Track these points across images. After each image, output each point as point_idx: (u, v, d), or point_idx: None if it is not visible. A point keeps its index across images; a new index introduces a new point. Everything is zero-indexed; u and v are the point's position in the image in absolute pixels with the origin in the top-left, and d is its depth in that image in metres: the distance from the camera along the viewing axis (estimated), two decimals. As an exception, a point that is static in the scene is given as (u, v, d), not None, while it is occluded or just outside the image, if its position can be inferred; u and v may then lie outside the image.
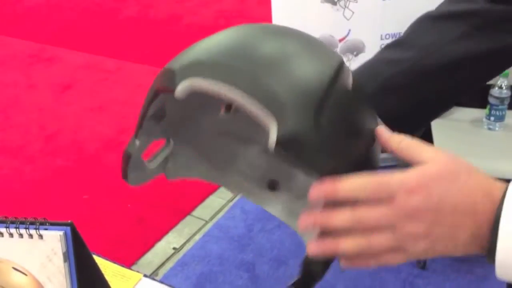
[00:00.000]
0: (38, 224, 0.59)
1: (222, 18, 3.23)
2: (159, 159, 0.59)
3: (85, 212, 1.92)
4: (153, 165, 0.58)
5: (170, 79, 0.47)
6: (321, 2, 1.73)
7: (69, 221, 0.59)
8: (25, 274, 0.61)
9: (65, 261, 0.60)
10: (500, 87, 1.53)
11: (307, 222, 0.45)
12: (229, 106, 0.57)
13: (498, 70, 0.64)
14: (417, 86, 0.60)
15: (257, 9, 3.12)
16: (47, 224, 0.59)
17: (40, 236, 0.59)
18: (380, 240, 0.44)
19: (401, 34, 0.64)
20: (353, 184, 0.44)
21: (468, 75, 0.61)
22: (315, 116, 0.43)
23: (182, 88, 0.46)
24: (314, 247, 0.45)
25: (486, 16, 0.60)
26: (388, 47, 0.64)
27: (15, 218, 0.59)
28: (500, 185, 0.43)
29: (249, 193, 0.60)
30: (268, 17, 1.77)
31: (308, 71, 0.45)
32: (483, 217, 0.42)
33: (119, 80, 2.81)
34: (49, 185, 2.11)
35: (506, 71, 1.79)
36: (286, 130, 0.42)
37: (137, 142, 0.55)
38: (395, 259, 0.45)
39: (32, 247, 0.60)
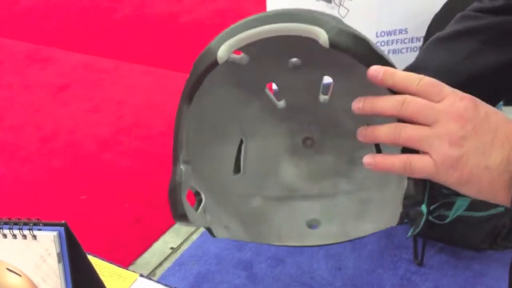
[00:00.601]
0: (31, 224, 0.59)
1: (218, 17, 3.22)
2: (198, 208, 0.57)
3: (82, 213, 1.92)
4: (195, 213, 0.57)
5: (209, 53, 0.52)
6: (316, 0, 1.73)
7: (62, 221, 0.59)
8: (19, 275, 0.61)
9: (59, 261, 0.60)
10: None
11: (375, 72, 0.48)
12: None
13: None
14: None
15: (253, 8, 3.12)
16: (41, 224, 0.59)
17: (34, 237, 0.59)
18: (417, 128, 0.46)
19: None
20: (409, 75, 0.47)
21: (483, 90, 0.61)
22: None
23: (223, 49, 0.50)
24: (367, 159, 0.49)
25: (494, 30, 0.61)
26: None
27: (9, 218, 0.59)
28: None
29: (288, 240, 0.61)
30: (263, 15, 1.77)
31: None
32: None
33: (115, 80, 2.81)
34: (45, 185, 2.10)
35: None
36: (333, 29, 0.50)
37: (183, 168, 0.54)
38: (422, 162, 0.46)
39: (26, 247, 0.59)
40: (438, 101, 0.46)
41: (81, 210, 1.92)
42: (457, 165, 0.45)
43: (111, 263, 0.91)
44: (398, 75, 0.47)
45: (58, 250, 0.60)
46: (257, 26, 0.51)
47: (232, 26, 0.53)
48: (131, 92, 2.65)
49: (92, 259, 0.71)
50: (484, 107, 0.46)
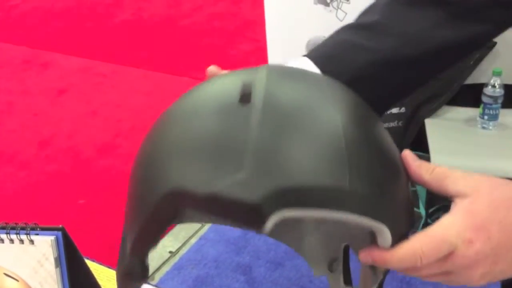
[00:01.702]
0: (29, 229, 0.59)
1: (216, 21, 3.23)
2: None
3: (80, 217, 1.91)
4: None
5: (255, 213, 0.38)
6: (314, 3, 1.73)
7: (60, 226, 0.59)
8: (17, 280, 0.60)
9: (56, 266, 0.59)
10: (493, 86, 1.53)
11: (365, 259, 0.43)
12: None
13: (459, 60, 0.62)
14: (392, 75, 0.58)
15: (251, 12, 3.12)
16: (38, 229, 0.59)
17: (31, 242, 0.59)
18: (432, 277, 0.42)
19: (366, 13, 0.61)
20: (404, 257, 0.40)
21: (439, 64, 0.60)
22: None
23: (272, 222, 0.38)
24: (364, 255, 0.42)
25: (462, 4, 0.58)
26: (357, 29, 0.59)
27: (6, 223, 0.59)
28: None
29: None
30: (261, 18, 1.78)
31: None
32: None
33: (114, 84, 2.81)
34: (43, 190, 2.10)
35: (499, 69, 1.78)
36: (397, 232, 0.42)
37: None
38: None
39: (23, 252, 0.59)
40: (448, 258, 0.40)
41: (79, 215, 1.92)
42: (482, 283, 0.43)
43: (109, 267, 0.90)
44: (394, 261, 0.40)
45: (56, 255, 0.59)
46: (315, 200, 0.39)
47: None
48: (129, 95, 2.65)
49: (90, 263, 0.70)
50: (494, 227, 0.39)
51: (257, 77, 0.42)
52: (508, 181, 0.41)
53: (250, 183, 0.37)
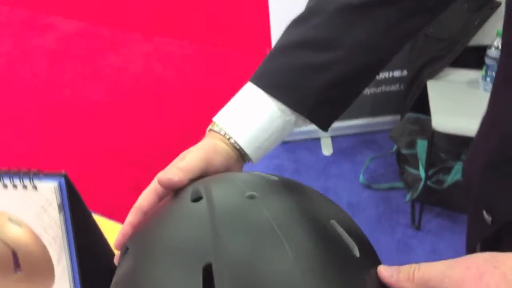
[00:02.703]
0: (32, 175, 0.59)
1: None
2: None
3: (81, 177, 1.93)
4: None
5: None
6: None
7: (62, 171, 0.60)
8: (21, 226, 0.61)
9: (60, 212, 0.60)
10: (497, 48, 1.52)
11: None
12: None
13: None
14: (353, 84, 0.57)
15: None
16: (41, 175, 0.59)
17: (35, 187, 0.59)
18: None
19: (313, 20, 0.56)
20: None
21: (394, 52, 0.59)
22: None
23: None
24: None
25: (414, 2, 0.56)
26: (307, 48, 0.56)
27: (9, 169, 0.59)
28: None
29: None
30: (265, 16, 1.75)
31: None
32: None
33: (114, 47, 2.78)
34: (44, 152, 2.11)
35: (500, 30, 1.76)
36: None
37: None
38: None
39: (26, 198, 0.60)
40: None
41: (82, 169, 1.94)
42: None
43: (112, 220, 0.92)
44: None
45: (59, 201, 0.60)
46: None
47: None
48: (130, 59, 2.63)
49: (93, 215, 0.71)
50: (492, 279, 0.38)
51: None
52: (493, 263, 0.39)
53: None
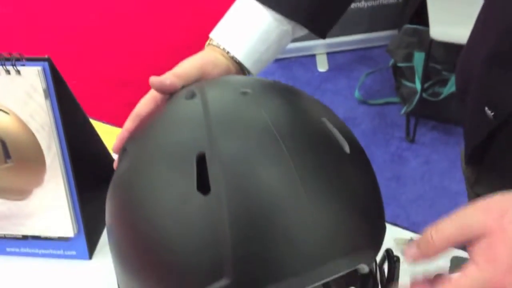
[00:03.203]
0: (14, 60, 0.57)
1: None
2: None
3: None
4: None
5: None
6: None
7: (46, 56, 0.58)
8: (7, 113, 0.60)
9: (46, 98, 0.59)
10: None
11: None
12: None
13: None
14: None
15: None
16: (24, 59, 0.57)
17: (18, 72, 0.58)
18: None
19: None
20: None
21: None
22: None
23: None
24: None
25: None
26: None
27: (-10, 52, 0.57)
28: None
29: None
30: None
31: None
32: None
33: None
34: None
35: None
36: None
37: None
38: None
39: (10, 83, 0.58)
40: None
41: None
42: None
43: (103, 122, 0.91)
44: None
45: (44, 86, 0.58)
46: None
47: None
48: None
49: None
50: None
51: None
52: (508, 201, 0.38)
53: None
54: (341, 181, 0.41)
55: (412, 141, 1.73)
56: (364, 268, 0.42)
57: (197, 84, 0.47)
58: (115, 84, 2.00)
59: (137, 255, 0.40)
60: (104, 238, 0.69)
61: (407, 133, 1.76)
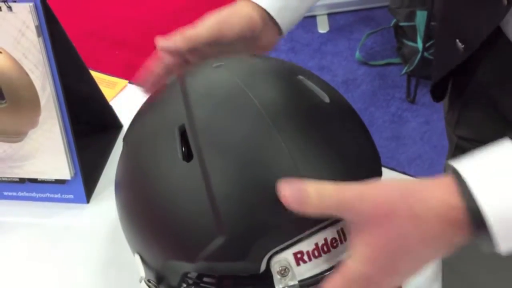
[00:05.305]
0: (5, -5, 0.56)
1: None
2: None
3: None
4: None
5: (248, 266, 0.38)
6: None
7: (37, -8, 0.56)
8: (0, 52, 0.59)
9: (38, 35, 0.58)
10: None
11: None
12: None
13: None
14: None
15: None
16: (15, -4, 0.56)
17: (9, 8, 0.56)
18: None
19: None
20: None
21: None
22: None
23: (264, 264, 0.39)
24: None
25: None
26: None
27: (-21, -14, 0.56)
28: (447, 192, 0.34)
29: None
30: None
31: None
32: (458, 237, 0.35)
33: None
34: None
35: None
36: None
37: None
38: None
39: (2, 21, 0.57)
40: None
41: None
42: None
43: (98, 71, 0.89)
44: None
45: (36, 23, 0.57)
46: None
47: None
48: None
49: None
50: (398, 224, 0.34)
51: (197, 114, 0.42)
52: (405, 186, 0.36)
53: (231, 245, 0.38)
54: (324, 130, 0.41)
55: (413, 101, 1.72)
56: None
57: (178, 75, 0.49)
58: (110, 43, 1.98)
59: (140, 216, 0.43)
60: (101, 183, 0.69)
61: (408, 94, 1.74)
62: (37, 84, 0.60)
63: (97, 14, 2.11)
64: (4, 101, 0.61)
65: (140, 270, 0.44)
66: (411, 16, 1.69)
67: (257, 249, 0.38)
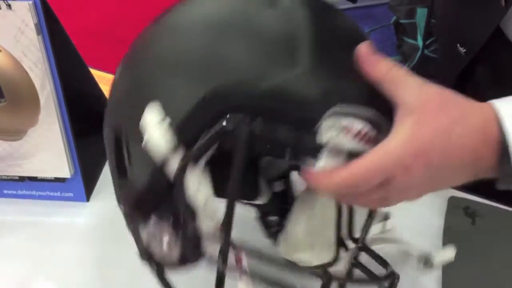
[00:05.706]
0: (4, -7, 0.56)
1: None
2: None
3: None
4: None
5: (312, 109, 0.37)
6: None
7: (37, -10, 0.56)
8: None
9: (38, 33, 0.57)
10: None
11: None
12: None
13: None
14: None
15: None
16: (14, -6, 0.56)
17: (8, 6, 0.56)
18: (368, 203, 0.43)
19: None
20: (344, 181, 0.38)
21: None
22: None
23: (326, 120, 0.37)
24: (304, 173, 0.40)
25: None
26: None
27: (-22, -15, 0.56)
28: (493, 116, 0.38)
29: None
30: None
31: None
32: (485, 161, 0.38)
33: None
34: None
35: None
36: None
37: None
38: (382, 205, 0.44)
39: (1, 19, 0.57)
40: (384, 185, 0.38)
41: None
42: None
43: (96, 68, 0.89)
44: (330, 186, 0.39)
45: (36, 21, 0.57)
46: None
47: None
48: None
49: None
50: (436, 157, 0.37)
51: None
52: (459, 97, 0.39)
53: (308, 78, 0.36)
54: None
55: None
56: None
57: None
58: (110, 41, 1.97)
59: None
60: (101, 182, 0.69)
61: (408, 91, 1.74)
62: (37, 82, 0.60)
63: (97, 12, 2.11)
64: (3, 99, 0.61)
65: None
66: (411, 14, 1.69)
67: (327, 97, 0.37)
